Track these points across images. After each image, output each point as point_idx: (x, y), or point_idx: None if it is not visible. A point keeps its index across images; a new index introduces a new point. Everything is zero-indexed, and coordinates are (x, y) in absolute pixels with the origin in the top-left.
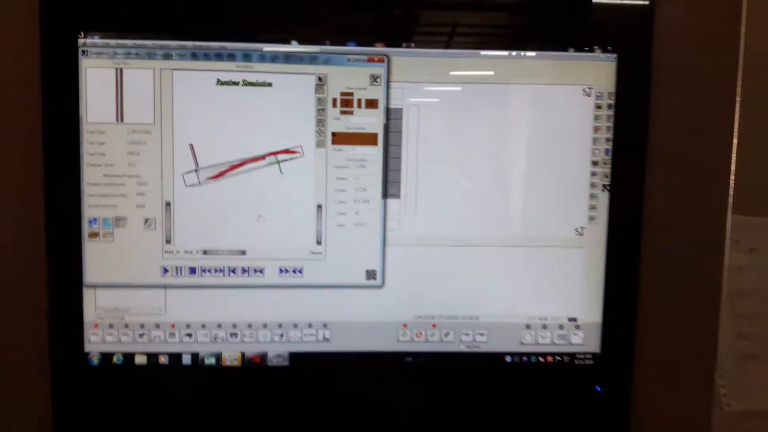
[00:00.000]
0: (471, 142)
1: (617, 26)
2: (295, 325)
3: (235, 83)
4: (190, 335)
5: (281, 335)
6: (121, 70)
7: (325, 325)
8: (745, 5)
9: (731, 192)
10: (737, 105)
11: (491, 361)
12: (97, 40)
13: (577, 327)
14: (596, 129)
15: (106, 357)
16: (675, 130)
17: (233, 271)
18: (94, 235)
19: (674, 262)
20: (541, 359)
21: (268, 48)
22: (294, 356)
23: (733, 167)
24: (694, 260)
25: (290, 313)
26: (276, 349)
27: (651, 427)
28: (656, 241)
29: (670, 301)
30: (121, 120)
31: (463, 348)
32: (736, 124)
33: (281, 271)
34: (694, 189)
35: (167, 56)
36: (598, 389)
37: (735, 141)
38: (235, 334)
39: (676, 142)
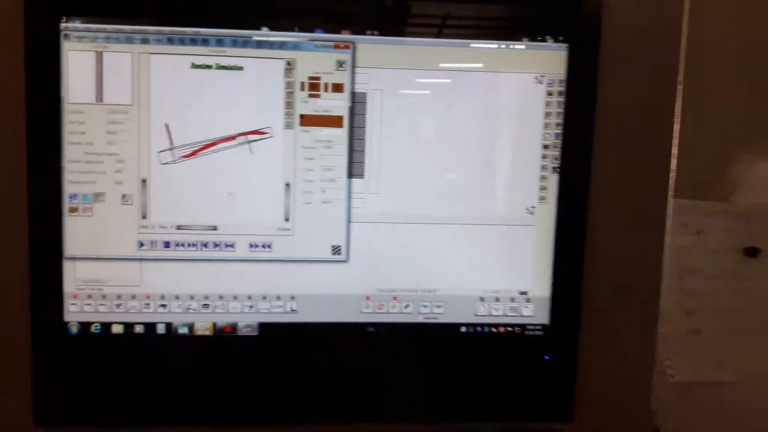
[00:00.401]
0: (430, 125)
1: (568, 17)
2: (264, 297)
3: (209, 67)
4: (164, 306)
5: (251, 306)
6: (101, 53)
7: (292, 298)
8: None
9: (673, 176)
10: (680, 92)
11: (447, 331)
12: (78, 25)
13: (528, 300)
14: (547, 114)
15: (85, 326)
16: (621, 116)
17: (205, 245)
18: (74, 210)
19: (619, 241)
20: (494, 330)
21: (240, 34)
22: (263, 326)
23: (675, 151)
24: (638, 239)
25: (259, 286)
26: (246, 320)
27: (596, 394)
28: (602, 221)
29: (615, 277)
30: (101, 101)
31: (421, 319)
32: (679, 110)
33: (251, 246)
34: (639, 172)
35: (145, 41)
36: (547, 358)
37: (677, 127)
38: (207, 305)
39: (623, 127)
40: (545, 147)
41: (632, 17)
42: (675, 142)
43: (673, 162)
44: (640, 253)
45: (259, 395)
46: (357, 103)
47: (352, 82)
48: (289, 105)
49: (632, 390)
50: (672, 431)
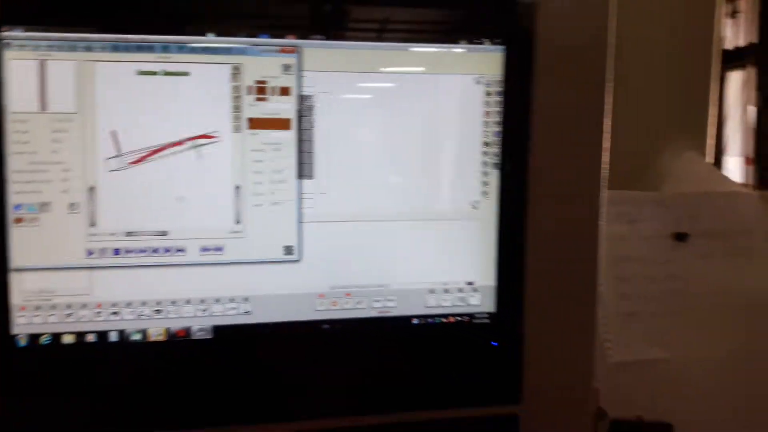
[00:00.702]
0: (376, 126)
1: (504, 20)
2: (218, 300)
3: (155, 73)
4: (116, 313)
5: (204, 310)
6: (44, 61)
7: (246, 299)
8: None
9: (606, 169)
10: (609, 90)
11: (400, 324)
12: (20, 33)
13: (475, 290)
14: (487, 114)
15: (34, 338)
16: (556, 113)
17: (156, 251)
18: (19, 220)
19: (558, 231)
20: (444, 320)
21: (186, 40)
22: (217, 329)
23: (607, 145)
24: (576, 229)
25: (212, 289)
26: (200, 323)
27: (542, 374)
28: (541, 213)
29: (555, 265)
30: (45, 109)
31: (374, 314)
32: (610, 107)
33: (202, 249)
34: (574, 166)
35: (89, 48)
36: (495, 344)
37: (609, 123)
38: (160, 311)
39: (558, 124)
40: (486, 144)
41: (565, 19)
42: (607, 136)
43: (606, 155)
44: (577, 242)
45: (216, 398)
46: (304, 105)
47: (299, 86)
48: (237, 109)
49: (575, 371)
50: (613, 408)
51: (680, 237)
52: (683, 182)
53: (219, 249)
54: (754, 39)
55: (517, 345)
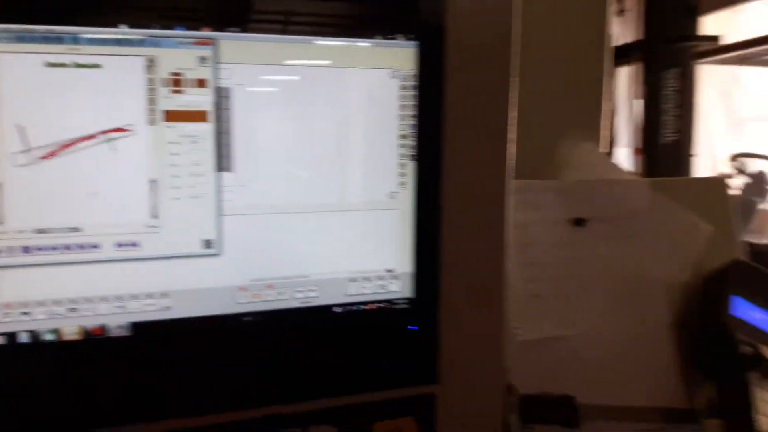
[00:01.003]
0: (296, 119)
1: (416, 16)
2: (135, 297)
3: (65, 65)
4: (26, 313)
5: (121, 307)
6: None
7: (165, 294)
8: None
9: (513, 159)
10: (515, 85)
11: (322, 313)
12: None
13: (395, 277)
14: (403, 107)
15: None
16: (467, 107)
17: (68, 248)
18: None
19: (470, 219)
20: (365, 307)
21: (97, 31)
22: (136, 326)
23: (513, 137)
24: (486, 217)
25: (129, 286)
26: (117, 321)
27: (457, 355)
28: (455, 202)
29: (468, 252)
30: None
31: (296, 304)
32: (515, 100)
33: (117, 245)
34: (484, 157)
35: None
36: (414, 328)
37: (514, 116)
38: (75, 309)
39: (469, 117)
40: (403, 137)
41: (473, 16)
42: (513, 128)
43: (512, 147)
44: (487, 229)
45: (137, 394)
46: (222, 97)
47: (216, 78)
48: (152, 101)
49: (487, 350)
50: (522, 383)
51: (579, 222)
52: (581, 171)
53: (135, 244)
54: (641, 36)
55: (434, 328)
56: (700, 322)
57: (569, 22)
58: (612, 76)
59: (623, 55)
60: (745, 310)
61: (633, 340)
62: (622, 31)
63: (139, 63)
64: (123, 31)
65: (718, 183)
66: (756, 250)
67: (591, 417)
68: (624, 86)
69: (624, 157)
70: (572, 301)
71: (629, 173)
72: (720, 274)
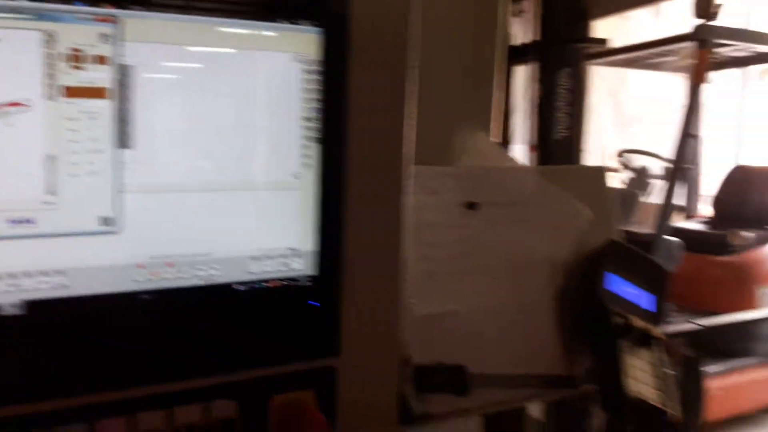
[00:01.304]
0: (198, 98)
1: (321, 3)
2: (29, 274)
3: None
4: None
5: (14, 285)
6: None
7: (61, 272)
8: None
9: (413, 145)
10: (415, 75)
11: (224, 290)
12: None
13: (297, 255)
14: (307, 90)
15: None
16: (370, 93)
17: None
18: None
19: (371, 201)
20: (268, 284)
21: None
22: (30, 304)
23: (414, 123)
24: (386, 200)
25: (24, 263)
26: (9, 299)
27: (356, 328)
28: (357, 185)
29: (369, 231)
30: None
31: (197, 282)
32: (416, 89)
33: (10, 222)
34: (386, 143)
35: None
36: (317, 305)
37: (414, 101)
38: None
39: (371, 104)
40: (306, 119)
41: (377, 5)
42: (412, 115)
43: (412, 133)
44: (387, 210)
45: (32, 373)
46: (124, 75)
47: (118, 55)
48: (51, 77)
49: (386, 325)
50: (418, 355)
51: (471, 206)
52: (474, 159)
53: (29, 221)
54: (537, 36)
55: (335, 304)
56: (579, 297)
57: (464, 19)
58: (504, 72)
59: (521, 54)
60: (618, 285)
61: (519, 313)
62: (521, 31)
63: (36, 37)
64: (21, 5)
65: (597, 171)
66: (637, 239)
67: (480, 385)
68: (521, 85)
69: (520, 152)
70: (464, 279)
71: (518, 162)
72: (597, 253)
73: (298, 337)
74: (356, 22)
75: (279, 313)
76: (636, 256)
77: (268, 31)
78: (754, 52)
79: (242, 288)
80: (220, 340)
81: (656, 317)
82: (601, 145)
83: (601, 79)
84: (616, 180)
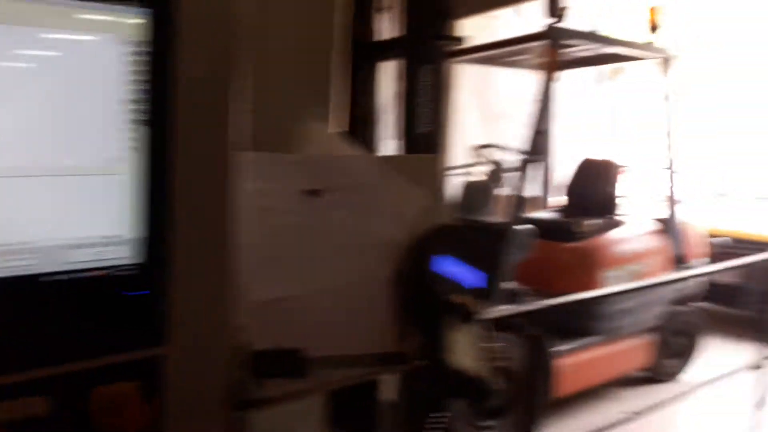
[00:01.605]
0: (5, 78)
1: None
2: None
3: None
4: None
5: None
6: None
7: None
8: None
9: (249, 132)
10: (249, 65)
11: (41, 280)
12: None
13: (121, 243)
14: (133, 73)
15: None
16: (201, 79)
17: None
18: None
19: (203, 186)
20: (90, 274)
21: None
22: None
23: (249, 108)
24: (219, 186)
25: None
26: None
27: (186, 316)
28: (187, 170)
29: (201, 218)
30: None
31: (16, 272)
32: (246, 73)
33: None
34: (219, 129)
35: None
36: (144, 293)
37: (247, 88)
38: None
39: (203, 89)
40: (133, 102)
41: None
42: (246, 101)
43: (245, 119)
44: (220, 196)
45: None
46: None
47: None
48: None
49: (217, 312)
50: (259, 340)
51: (312, 193)
52: (314, 147)
53: None
54: (403, 32)
55: (163, 292)
56: (410, 278)
57: (299, 10)
58: (373, 71)
59: (386, 50)
60: (446, 265)
61: (355, 296)
62: (387, 27)
63: None
64: None
65: (430, 160)
66: (489, 229)
67: (319, 366)
68: (387, 81)
69: (391, 147)
70: (304, 264)
71: (356, 150)
72: (426, 236)
73: (122, 328)
74: (184, 3)
75: (100, 303)
76: (463, 237)
77: (89, 12)
78: (601, 53)
79: (61, 278)
80: (37, 334)
81: (487, 293)
82: (464, 139)
83: (466, 77)
84: (479, 174)
